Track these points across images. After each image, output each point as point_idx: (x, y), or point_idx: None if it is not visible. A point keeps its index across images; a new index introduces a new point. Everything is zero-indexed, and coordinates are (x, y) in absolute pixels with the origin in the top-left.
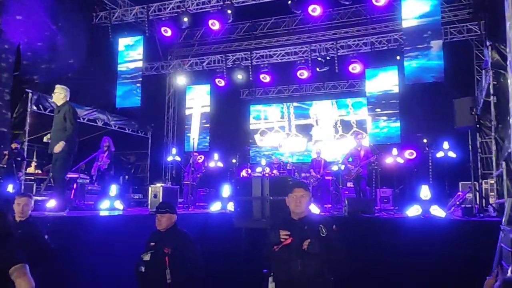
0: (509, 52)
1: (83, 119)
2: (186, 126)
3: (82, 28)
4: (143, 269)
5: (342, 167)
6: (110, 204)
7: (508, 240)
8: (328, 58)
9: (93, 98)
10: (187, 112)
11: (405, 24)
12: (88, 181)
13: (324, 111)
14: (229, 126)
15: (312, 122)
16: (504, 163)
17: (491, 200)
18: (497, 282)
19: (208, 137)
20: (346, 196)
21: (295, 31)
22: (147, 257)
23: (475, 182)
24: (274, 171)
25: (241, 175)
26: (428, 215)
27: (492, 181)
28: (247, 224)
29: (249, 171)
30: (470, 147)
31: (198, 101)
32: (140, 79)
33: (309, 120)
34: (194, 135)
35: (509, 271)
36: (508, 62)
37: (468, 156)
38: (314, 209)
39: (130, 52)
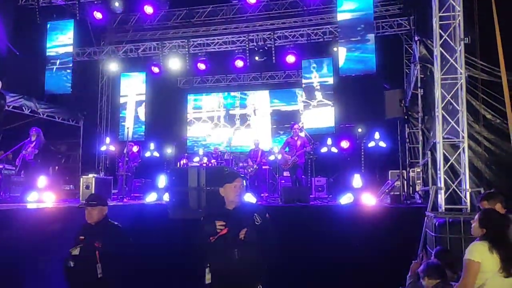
0: (435, 47)
1: (8, 106)
2: (120, 115)
3: (7, 10)
4: (72, 264)
5: (279, 156)
6: (39, 196)
7: (432, 225)
8: (266, 48)
9: (19, 84)
10: (122, 100)
11: (340, 17)
12: (13, 172)
13: (261, 101)
14: (165, 115)
15: (250, 112)
16: (429, 153)
17: (417, 188)
18: (421, 266)
19: (143, 126)
20: (282, 185)
21: (233, 20)
22: (76, 252)
23: (403, 171)
24: (213, 161)
25: (179, 165)
26: (359, 203)
27: (419, 170)
28: (183, 215)
29: (185, 161)
30: (399, 137)
31: (133, 89)
32: (71, 64)
33: (246, 110)
34: (129, 124)
35: (432, 255)
36: (434, 56)
37: (397, 146)
38: (251, 198)
39: (60, 36)
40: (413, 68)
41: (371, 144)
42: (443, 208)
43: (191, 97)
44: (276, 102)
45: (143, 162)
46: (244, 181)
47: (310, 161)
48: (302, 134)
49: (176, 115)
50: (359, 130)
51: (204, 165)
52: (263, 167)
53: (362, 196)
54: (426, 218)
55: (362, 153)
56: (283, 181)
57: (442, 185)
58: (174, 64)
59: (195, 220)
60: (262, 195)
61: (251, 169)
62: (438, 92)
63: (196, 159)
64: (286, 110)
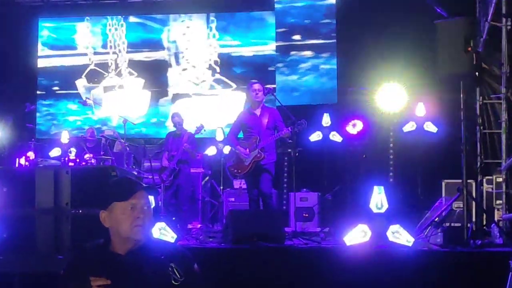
0: None
1: None
2: None
3: None
4: None
5: (226, 149)
6: None
7: None
8: None
9: None
10: None
11: None
12: None
13: (192, 38)
14: None
15: (167, 58)
16: None
17: (497, 215)
18: None
19: None
20: (230, 207)
21: None
22: None
23: (469, 181)
24: (87, 156)
25: (18, 164)
26: (384, 243)
27: (500, 179)
28: (25, 267)
29: (32, 156)
30: (463, 114)
31: None
32: None
33: (160, 54)
34: None
35: None
36: None
37: (458, 132)
38: (166, 232)
39: None
40: None
41: (409, 127)
42: None
43: (46, 24)
44: (222, 42)
45: None
46: (152, 197)
47: (288, 159)
48: (273, 106)
49: (18, 60)
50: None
51: (71, 163)
52: (192, 170)
53: (389, 231)
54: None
55: (391, 144)
56: (232, 199)
57: None
58: None
59: (51, 277)
60: (191, 226)
61: (168, 174)
62: None
63: (55, 152)
64: (243, 55)
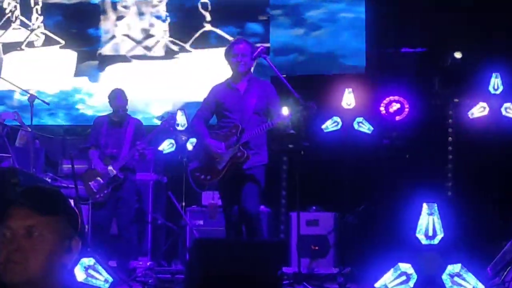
0: None
1: None
2: None
3: None
4: None
5: (190, 145)
6: None
7: None
8: None
9: None
10: None
11: None
12: None
13: None
14: None
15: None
16: None
17: None
18: None
19: None
20: (196, 234)
21: None
22: None
23: None
24: None
25: None
26: None
27: None
28: None
29: None
30: None
31: None
32: None
33: None
34: None
35: None
36: None
37: None
38: (99, 275)
39: None
40: None
41: (478, 111)
42: None
43: None
44: None
45: None
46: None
47: (288, 160)
48: (266, 78)
49: None
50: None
51: None
52: (138, 176)
53: (445, 274)
54: None
55: (450, 138)
56: (200, 222)
57: None
58: None
59: None
60: (134, 264)
61: (102, 181)
62: None
63: None
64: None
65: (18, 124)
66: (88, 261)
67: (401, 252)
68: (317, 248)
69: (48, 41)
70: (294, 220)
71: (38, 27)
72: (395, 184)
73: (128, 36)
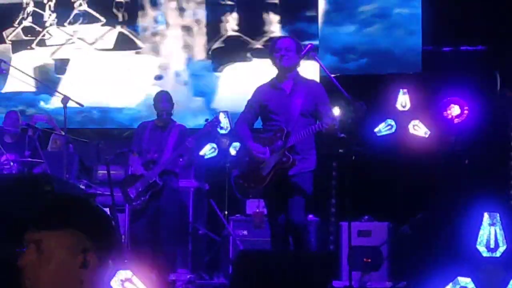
0: None
1: None
2: None
3: None
4: None
5: (233, 149)
6: None
7: None
8: None
9: None
10: None
11: None
12: None
13: None
14: None
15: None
16: None
17: None
18: None
19: None
20: (241, 246)
21: None
22: None
23: None
24: (2, 158)
25: None
26: None
27: None
28: None
29: None
30: None
31: None
32: None
33: None
34: None
35: None
36: None
37: None
38: None
39: None
40: None
41: None
42: None
43: None
44: None
45: None
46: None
47: (338, 166)
48: (313, 77)
49: None
50: None
51: None
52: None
53: None
54: None
55: None
56: (244, 233)
57: None
58: None
59: None
60: (173, 277)
61: (142, 189)
62: None
63: None
64: None
65: (51, 127)
66: (125, 273)
67: (460, 265)
68: (369, 260)
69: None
70: (344, 231)
71: (51, 24)
72: (453, 192)
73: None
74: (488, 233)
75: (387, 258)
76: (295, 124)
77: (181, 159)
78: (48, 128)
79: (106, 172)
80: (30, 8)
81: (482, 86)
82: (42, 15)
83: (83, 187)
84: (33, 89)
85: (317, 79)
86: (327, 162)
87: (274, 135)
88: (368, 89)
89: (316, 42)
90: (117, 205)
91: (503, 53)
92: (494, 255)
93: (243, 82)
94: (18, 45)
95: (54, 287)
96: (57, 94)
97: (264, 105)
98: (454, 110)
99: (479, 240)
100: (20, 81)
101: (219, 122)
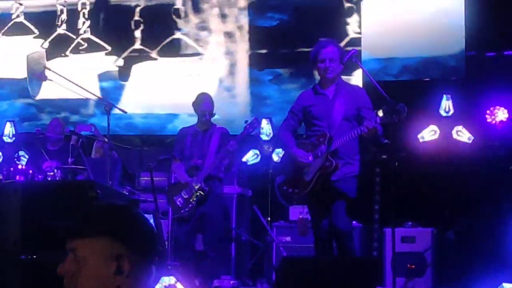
0: None
1: None
2: None
3: None
4: None
5: (275, 155)
6: None
7: None
8: None
9: None
10: None
11: None
12: None
13: None
14: None
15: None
16: None
17: None
18: None
19: None
20: (284, 252)
21: None
22: None
23: None
24: (47, 165)
25: None
26: None
27: None
28: None
29: None
30: None
31: None
32: None
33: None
34: None
35: None
36: None
37: None
38: None
39: None
40: None
41: None
42: None
43: None
44: None
45: None
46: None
47: (381, 172)
48: (356, 82)
49: None
50: None
51: (20, 177)
52: (215, 191)
53: None
54: None
55: None
56: (288, 239)
57: None
58: None
59: None
60: (216, 285)
61: (188, 195)
62: None
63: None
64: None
65: (94, 135)
66: (168, 279)
67: (505, 272)
68: (413, 266)
69: (95, 47)
70: (388, 237)
71: (85, 32)
72: (497, 198)
73: None
74: None
75: (431, 264)
76: (338, 129)
77: (223, 163)
78: (91, 134)
79: (149, 178)
80: (64, 16)
81: None
82: (76, 23)
83: (126, 193)
84: (77, 96)
85: (360, 84)
86: (371, 168)
87: (317, 140)
88: (412, 95)
89: (359, 48)
90: (160, 211)
91: None
92: None
93: None
94: (53, 52)
95: None
96: (101, 101)
97: (308, 111)
98: (498, 115)
99: None
100: (63, 87)
101: (259, 123)
